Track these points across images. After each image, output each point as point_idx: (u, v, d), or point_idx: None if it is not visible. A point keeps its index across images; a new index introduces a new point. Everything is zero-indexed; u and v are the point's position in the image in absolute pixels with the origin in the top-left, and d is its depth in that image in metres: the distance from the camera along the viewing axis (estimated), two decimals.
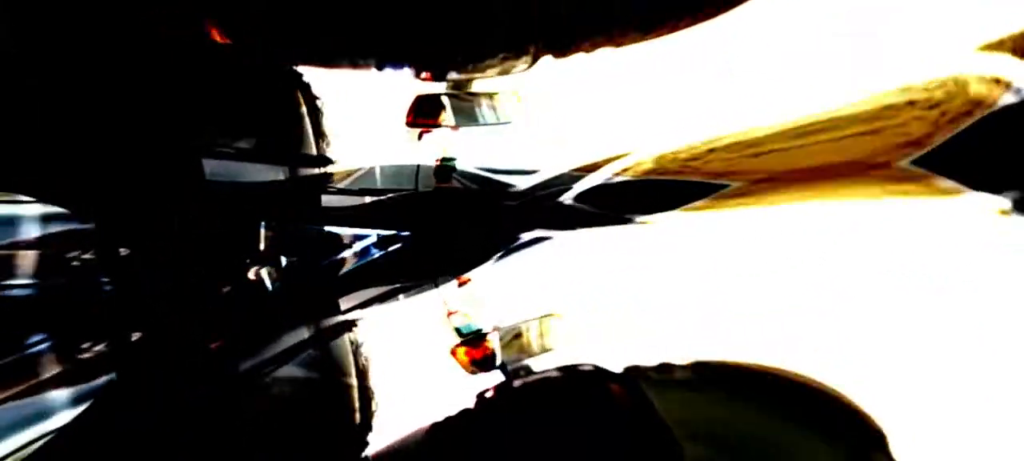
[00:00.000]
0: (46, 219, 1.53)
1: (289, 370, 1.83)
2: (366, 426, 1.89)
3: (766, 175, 1.55)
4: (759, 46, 1.60)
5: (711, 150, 1.62)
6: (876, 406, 1.42)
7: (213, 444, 1.58)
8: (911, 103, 1.33)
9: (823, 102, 1.47)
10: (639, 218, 1.63)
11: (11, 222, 1.50)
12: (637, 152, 1.72)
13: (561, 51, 1.71)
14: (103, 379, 1.53)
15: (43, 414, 1.45)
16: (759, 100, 1.59)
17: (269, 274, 1.81)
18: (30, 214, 1.52)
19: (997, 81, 1.22)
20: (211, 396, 1.64)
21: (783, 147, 1.53)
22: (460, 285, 1.97)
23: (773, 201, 1.57)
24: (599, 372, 1.69)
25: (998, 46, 1.24)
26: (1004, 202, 1.24)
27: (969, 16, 1.29)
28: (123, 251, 1.61)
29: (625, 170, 1.72)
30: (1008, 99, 1.20)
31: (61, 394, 1.49)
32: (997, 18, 1.24)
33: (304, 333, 1.90)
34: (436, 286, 1.98)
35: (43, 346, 1.51)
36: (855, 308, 1.57)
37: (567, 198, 1.77)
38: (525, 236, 1.89)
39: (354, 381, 1.94)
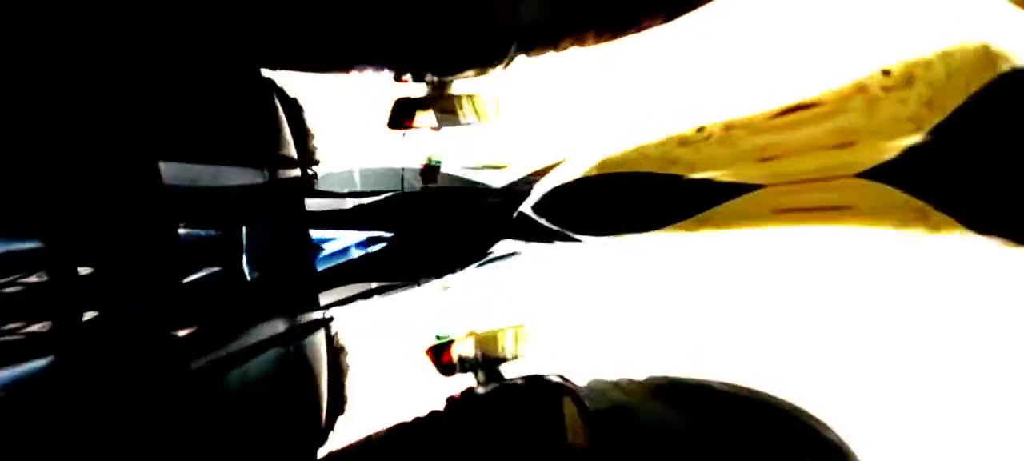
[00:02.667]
0: None
1: (261, 363, 1.86)
2: (332, 422, 1.90)
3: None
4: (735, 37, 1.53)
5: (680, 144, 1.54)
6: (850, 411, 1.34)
7: (172, 433, 1.61)
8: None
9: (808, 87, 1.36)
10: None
11: None
12: (601, 148, 1.64)
13: (533, 51, 1.69)
14: (41, 362, 1.48)
15: None
16: (734, 92, 1.50)
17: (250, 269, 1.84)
18: None
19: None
20: (170, 386, 1.66)
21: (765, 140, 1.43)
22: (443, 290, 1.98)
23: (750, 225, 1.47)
24: (562, 384, 1.65)
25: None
26: None
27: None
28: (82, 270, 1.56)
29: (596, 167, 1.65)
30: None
31: None
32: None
33: (280, 327, 1.93)
34: (417, 286, 1.98)
35: None
36: (831, 317, 1.49)
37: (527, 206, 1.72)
38: (503, 247, 1.87)
39: (325, 377, 1.96)
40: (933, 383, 1.35)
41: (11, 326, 1.44)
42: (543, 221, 1.60)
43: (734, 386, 1.40)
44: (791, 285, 1.58)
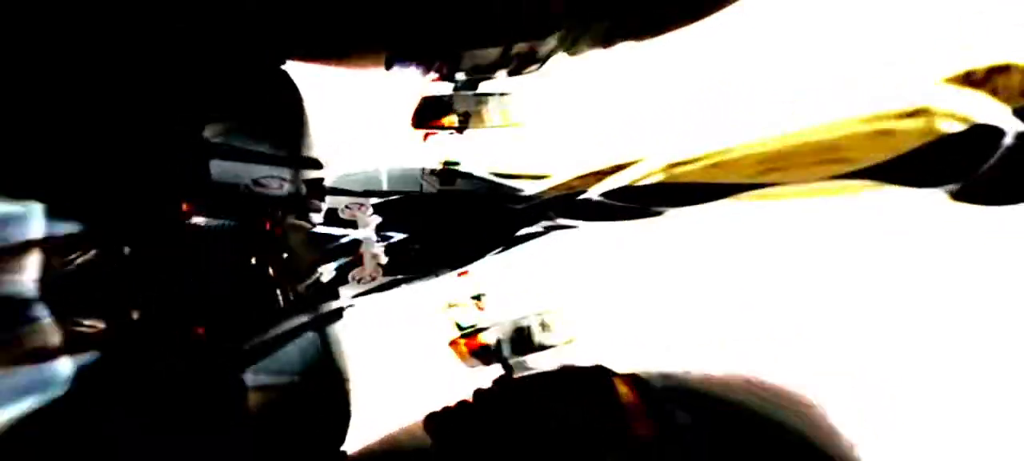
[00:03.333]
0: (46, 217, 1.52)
1: (285, 355, 1.81)
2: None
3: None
4: (744, 63, 1.67)
5: (714, 163, 1.67)
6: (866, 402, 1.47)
7: (202, 422, 1.56)
8: (877, 132, 1.40)
9: (790, 126, 1.54)
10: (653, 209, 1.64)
11: (9, 221, 1.48)
12: (648, 160, 1.75)
13: (574, 49, 1.75)
14: (95, 355, 1.50)
15: (36, 385, 1.42)
16: (746, 115, 1.65)
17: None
18: (29, 213, 1.50)
19: (964, 120, 1.29)
20: (203, 377, 1.61)
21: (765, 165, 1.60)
22: (460, 278, 1.98)
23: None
24: (600, 369, 1.71)
25: (966, 80, 1.31)
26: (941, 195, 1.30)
27: (940, 45, 1.37)
28: (126, 249, 1.60)
29: (635, 180, 1.76)
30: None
31: (54, 367, 1.46)
32: (967, 48, 1.33)
33: (303, 319, 1.89)
34: (436, 277, 1.99)
35: (38, 319, 1.48)
36: (849, 310, 1.61)
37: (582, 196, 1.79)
38: (531, 228, 1.91)
39: (350, 370, 1.93)
40: (936, 381, 1.46)
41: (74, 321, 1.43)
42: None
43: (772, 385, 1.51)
44: (801, 280, 1.71)
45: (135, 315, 1.54)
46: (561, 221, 1.81)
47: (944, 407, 1.43)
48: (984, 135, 1.25)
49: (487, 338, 1.89)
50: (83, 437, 1.35)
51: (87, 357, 1.44)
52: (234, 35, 1.81)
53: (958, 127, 1.25)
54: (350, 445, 1.78)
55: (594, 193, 1.77)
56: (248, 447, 1.62)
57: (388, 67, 1.93)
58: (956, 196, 1.29)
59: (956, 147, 1.26)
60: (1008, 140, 1.22)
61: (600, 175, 1.83)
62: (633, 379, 1.55)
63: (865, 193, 1.41)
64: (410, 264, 2.03)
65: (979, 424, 1.38)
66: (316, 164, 2.06)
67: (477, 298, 1.99)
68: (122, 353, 1.47)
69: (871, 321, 1.60)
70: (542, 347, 1.87)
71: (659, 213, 1.63)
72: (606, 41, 1.67)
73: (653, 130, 1.78)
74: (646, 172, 1.71)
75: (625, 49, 1.67)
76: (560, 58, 1.79)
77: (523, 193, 2.00)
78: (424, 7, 1.74)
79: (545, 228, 1.94)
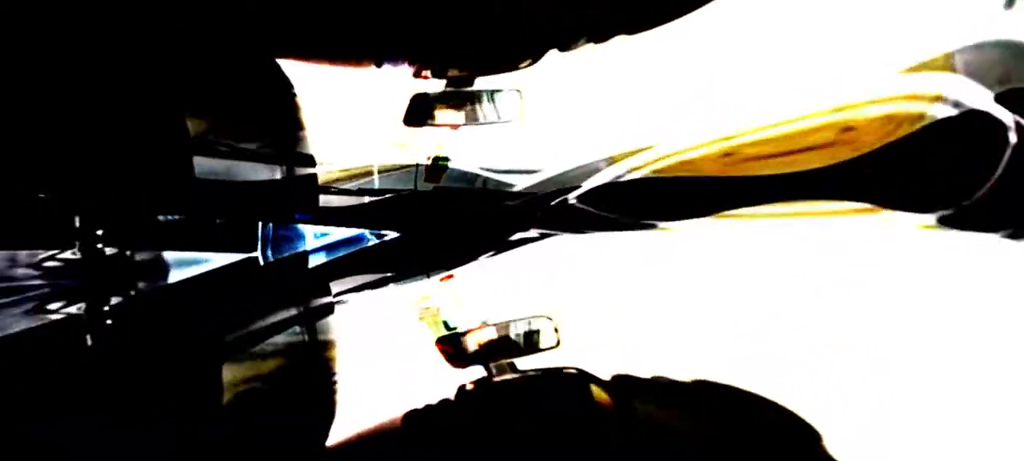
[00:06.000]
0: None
1: (271, 348, 1.85)
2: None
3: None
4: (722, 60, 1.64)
5: (703, 154, 1.64)
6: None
7: (182, 410, 1.60)
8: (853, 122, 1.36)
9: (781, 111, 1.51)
10: (645, 221, 1.64)
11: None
12: (642, 152, 1.73)
13: (567, 45, 1.72)
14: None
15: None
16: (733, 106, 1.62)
17: None
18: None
19: (935, 98, 1.24)
20: (184, 366, 1.65)
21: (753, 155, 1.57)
22: (443, 280, 1.99)
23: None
24: (581, 375, 1.70)
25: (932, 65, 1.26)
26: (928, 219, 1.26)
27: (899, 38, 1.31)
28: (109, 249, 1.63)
29: (632, 169, 1.73)
30: (941, 113, 1.22)
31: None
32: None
33: (293, 312, 1.93)
34: (428, 277, 2.00)
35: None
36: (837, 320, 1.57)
37: (571, 198, 1.78)
38: (521, 234, 1.90)
39: (337, 361, 1.96)
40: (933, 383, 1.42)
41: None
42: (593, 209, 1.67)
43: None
44: (794, 285, 1.66)
45: (114, 302, 1.58)
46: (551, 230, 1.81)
47: (936, 408, 1.39)
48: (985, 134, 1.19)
49: (473, 339, 1.88)
50: (59, 421, 1.40)
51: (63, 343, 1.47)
52: (230, 32, 1.83)
53: (943, 111, 1.21)
54: (332, 439, 1.81)
55: (582, 190, 1.76)
56: (231, 437, 1.66)
57: (379, 65, 1.93)
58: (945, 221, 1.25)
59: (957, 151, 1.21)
60: (1013, 137, 1.16)
61: (589, 171, 1.81)
62: (612, 384, 1.53)
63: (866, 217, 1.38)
64: (401, 262, 2.04)
65: (972, 425, 1.34)
66: (310, 161, 2.08)
67: (465, 299, 1.99)
68: (100, 338, 1.51)
69: (861, 321, 1.56)
70: (528, 350, 1.86)
71: (652, 226, 1.62)
72: (599, 37, 1.64)
73: (642, 126, 1.75)
74: (628, 169, 1.69)
75: (617, 44, 1.63)
76: (553, 54, 1.76)
77: (514, 189, 1.99)
78: (416, 6, 1.73)
79: (539, 234, 1.93)
